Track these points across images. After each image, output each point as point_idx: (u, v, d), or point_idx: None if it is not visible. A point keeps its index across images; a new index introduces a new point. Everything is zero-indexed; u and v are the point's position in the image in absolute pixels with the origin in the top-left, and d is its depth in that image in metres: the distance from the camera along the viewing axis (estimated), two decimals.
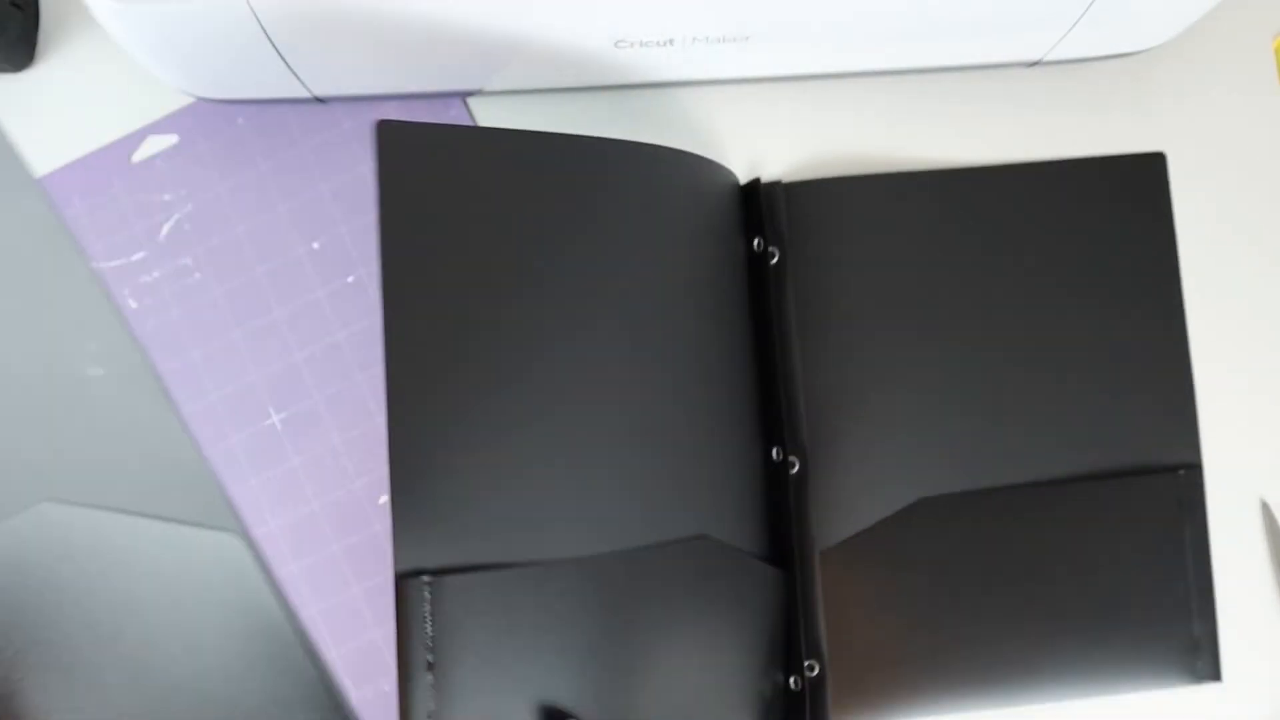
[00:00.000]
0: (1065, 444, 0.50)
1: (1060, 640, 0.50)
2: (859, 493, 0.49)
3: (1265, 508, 0.52)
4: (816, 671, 0.48)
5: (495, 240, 0.42)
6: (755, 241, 0.50)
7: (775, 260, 0.49)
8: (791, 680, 0.48)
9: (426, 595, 0.38)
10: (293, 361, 0.50)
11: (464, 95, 0.48)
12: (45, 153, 0.51)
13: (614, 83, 0.47)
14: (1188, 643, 0.50)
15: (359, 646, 0.50)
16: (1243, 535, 0.52)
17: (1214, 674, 0.50)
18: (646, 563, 0.43)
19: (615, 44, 0.43)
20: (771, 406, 0.49)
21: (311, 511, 0.50)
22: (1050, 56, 0.48)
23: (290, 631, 0.50)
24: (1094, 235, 0.52)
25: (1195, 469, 0.51)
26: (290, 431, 0.50)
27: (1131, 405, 0.51)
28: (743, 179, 0.51)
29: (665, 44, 0.43)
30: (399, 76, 0.46)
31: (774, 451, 0.49)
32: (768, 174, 0.51)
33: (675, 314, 0.46)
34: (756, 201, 0.50)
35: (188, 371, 0.50)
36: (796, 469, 0.49)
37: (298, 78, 0.44)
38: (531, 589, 0.40)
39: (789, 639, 0.48)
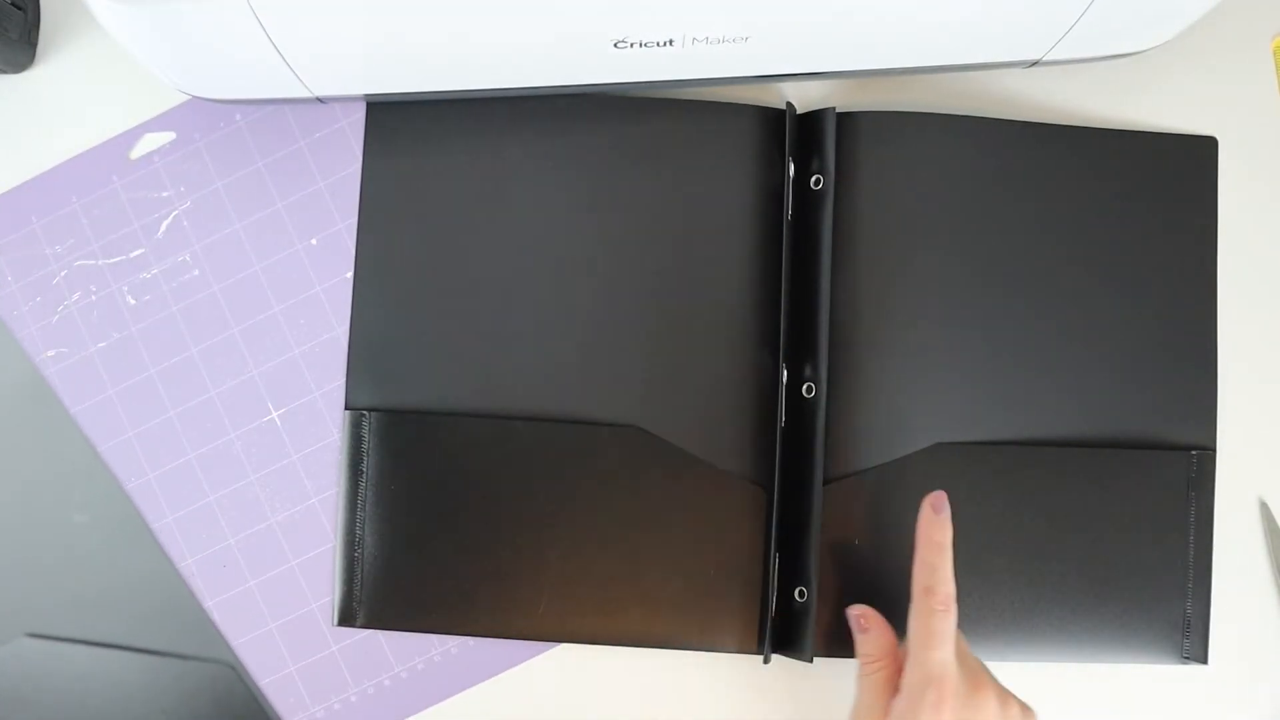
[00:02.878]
0: (1086, 408, 0.51)
1: (1054, 602, 0.50)
2: (875, 429, 0.50)
3: (1264, 507, 0.52)
4: (805, 598, 0.48)
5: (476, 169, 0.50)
6: (807, 170, 0.50)
7: (819, 186, 0.50)
8: (798, 592, 0.49)
9: (365, 424, 0.50)
10: (290, 356, 0.50)
11: (463, 95, 0.48)
12: (44, 151, 0.51)
13: (614, 82, 0.47)
14: (1179, 621, 0.50)
15: None
16: (1242, 534, 0.52)
17: (1201, 656, 0.51)
18: (563, 435, 0.49)
19: (615, 44, 0.43)
20: (798, 332, 0.49)
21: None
22: (1050, 56, 0.48)
23: None
24: (1140, 208, 0.52)
25: (1208, 452, 0.51)
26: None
27: (1154, 380, 0.51)
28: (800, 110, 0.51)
29: (665, 44, 0.43)
30: (399, 77, 0.46)
31: (784, 373, 0.49)
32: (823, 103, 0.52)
33: (679, 230, 0.50)
34: (810, 130, 0.50)
35: (185, 367, 0.50)
36: (813, 395, 0.49)
37: (299, 78, 0.44)
38: (443, 435, 0.50)
39: (793, 558, 0.49)
